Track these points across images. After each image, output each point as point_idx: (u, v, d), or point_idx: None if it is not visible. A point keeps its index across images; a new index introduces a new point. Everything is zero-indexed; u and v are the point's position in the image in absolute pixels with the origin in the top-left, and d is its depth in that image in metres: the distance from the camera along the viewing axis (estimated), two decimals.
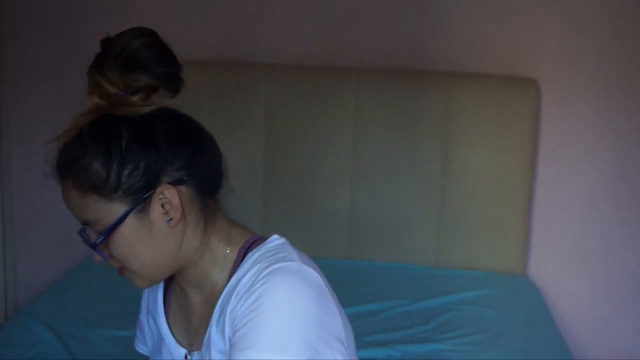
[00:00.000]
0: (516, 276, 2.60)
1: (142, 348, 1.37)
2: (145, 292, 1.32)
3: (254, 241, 1.16)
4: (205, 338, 1.14)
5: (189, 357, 1.19)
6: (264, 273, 1.06)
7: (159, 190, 1.08)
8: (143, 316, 1.34)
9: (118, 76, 1.08)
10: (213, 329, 1.12)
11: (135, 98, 1.08)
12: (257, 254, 1.12)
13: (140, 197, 1.08)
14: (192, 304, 1.20)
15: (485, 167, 2.57)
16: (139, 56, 1.09)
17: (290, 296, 1.03)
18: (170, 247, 1.12)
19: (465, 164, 2.57)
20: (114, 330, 2.11)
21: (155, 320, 1.28)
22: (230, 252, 1.16)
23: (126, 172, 1.07)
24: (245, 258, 1.13)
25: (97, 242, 1.09)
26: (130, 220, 1.08)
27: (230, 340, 1.07)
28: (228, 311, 1.08)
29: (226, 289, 1.12)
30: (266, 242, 1.15)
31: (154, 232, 1.10)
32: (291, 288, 1.04)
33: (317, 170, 2.61)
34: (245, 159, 2.61)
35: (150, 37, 1.11)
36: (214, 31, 2.69)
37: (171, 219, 1.10)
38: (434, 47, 2.65)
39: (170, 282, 1.27)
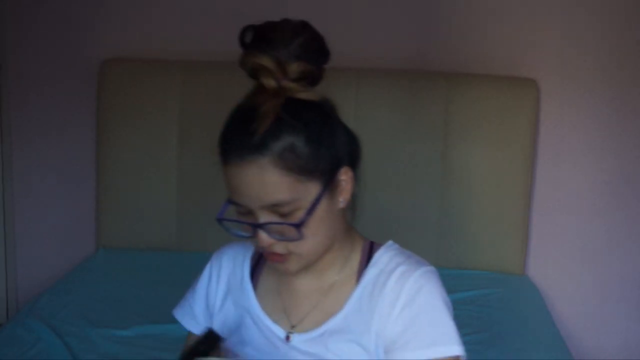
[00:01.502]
0: (516, 276, 2.60)
1: (190, 323, 1.34)
2: (225, 274, 1.30)
3: (371, 242, 1.25)
4: (330, 325, 1.18)
5: (290, 337, 1.21)
6: (415, 275, 1.15)
7: (342, 170, 1.15)
8: (204, 295, 1.32)
9: (291, 63, 1.11)
10: (349, 319, 1.17)
11: (299, 85, 1.12)
12: (387, 255, 1.21)
13: (330, 177, 1.12)
14: (298, 287, 1.23)
15: (485, 167, 2.57)
16: (311, 46, 1.14)
17: (444, 297, 1.16)
18: (336, 228, 1.17)
19: (465, 164, 2.57)
20: (114, 329, 2.11)
21: (237, 301, 1.27)
22: (355, 247, 1.23)
23: (324, 152, 1.11)
24: (373, 257, 1.21)
25: (303, 221, 1.10)
26: (322, 200, 1.12)
27: (376, 334, 1.14)
28: (376, 308, 1.15)
29: (361, 285, 1.18)
30: (388, 244, 1.24)
31: (331, 213, 1.14)
32: (442, 290, 1.16)
33: None
34: None
35: (311, 29, 1.16)
36: (214, 32, 2.69)
37: (343, 200, 1.16)
38: (434, 47, 2.65)
39: (258, 263, 1.29)
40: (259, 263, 1.29)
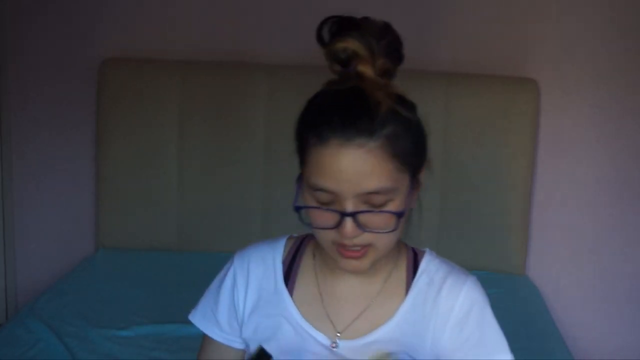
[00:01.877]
0: (516, 276, 2.60)
1: (212, 330, 1.27)
2: (254, 279, 1.24)
3: (413, 249, 1.26)
4: (380, 333, 1.17)
5: (335, 344, 1.18)
6: (465, 288, 1.19)
7: (423, 170, 1.17)
8: (229, 301, 1.25)
9: (380, 58, 1.12)
10: (401, 328, 1.17)
11: (385, 81, 1.14)
12: (433, 263, 1.23)
13: (416, 173, 1.15)
14: (342, 293, 1.21)
15: (485, 167, 2.57)
16: (394, 45, 1.15)
17: (489, 305, 1.23)
18: (403, 226, 1.16)
19: (465, 164, 2.57)
20: (114, 330, 2.11)
21: (271, 307, 1.22)
22: (401, 253, 1.23)
23: (419, 146, 1.16)
24: (420, 266, 1.22)
25: (404, 210, 1.10)
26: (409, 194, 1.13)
27: (432, 344, 1.16)
28: (430, 319, 1.16)
29: (412, 295, 1.19)
30: (429, 253, 1.26)
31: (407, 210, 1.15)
32: (487, 298, 1.23)
33: None
34: (246, 160, 2.62)
35: (394, 30, 1.17)
36: (214, 32, 2.69)
37: (413, 200, 1.17)
38: (434, 47, 2.65)
39: (291, 270, 1.24)
40: (291, 267, 1.24)
